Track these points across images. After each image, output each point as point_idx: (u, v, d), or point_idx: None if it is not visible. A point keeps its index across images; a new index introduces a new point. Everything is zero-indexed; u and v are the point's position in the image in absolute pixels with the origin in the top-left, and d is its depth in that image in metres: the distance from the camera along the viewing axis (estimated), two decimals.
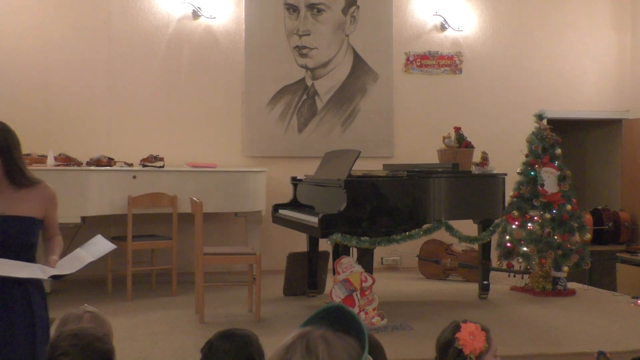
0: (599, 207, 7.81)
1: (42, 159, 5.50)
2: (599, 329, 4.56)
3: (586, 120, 8.19)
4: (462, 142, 5.70)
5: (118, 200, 5.49)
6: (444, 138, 5.75)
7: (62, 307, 5.01)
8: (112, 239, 5.78)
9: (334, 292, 4.47)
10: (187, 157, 6.57)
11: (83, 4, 6.60)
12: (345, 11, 7.17)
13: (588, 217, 7.29)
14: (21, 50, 6.45)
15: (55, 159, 5.47)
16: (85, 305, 2.56)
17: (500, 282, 6.25)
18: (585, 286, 6.21)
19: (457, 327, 2.33)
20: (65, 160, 5.58)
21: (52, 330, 2.47)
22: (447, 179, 5.10)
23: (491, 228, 5.46)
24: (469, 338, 2.28)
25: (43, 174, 5.23)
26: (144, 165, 5.91)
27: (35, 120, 6.44)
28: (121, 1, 6.67)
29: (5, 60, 6.42)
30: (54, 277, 2.53)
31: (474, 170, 5.55)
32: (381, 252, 6.78)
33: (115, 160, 5.97)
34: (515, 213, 5.84)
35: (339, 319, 1.31)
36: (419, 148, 7.09)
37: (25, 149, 6.01)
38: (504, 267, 6.06)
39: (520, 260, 5.90)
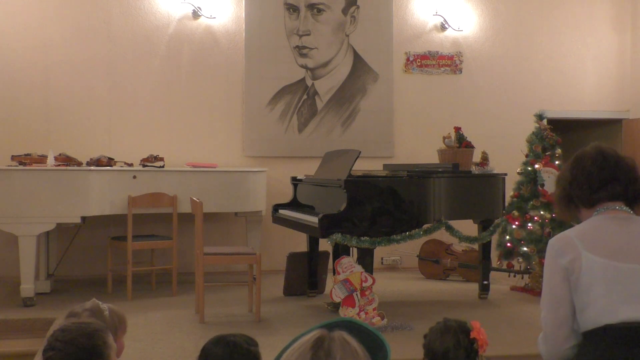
0: None
1: (42, 159, 5.49)
2: None
3: (586, 120, 8.18)
4: (462, 142, 5.70)
5: (118, 200, 5.49)
6: (444, 138, 5.75)
7: (62, 307, 5.04)
8: (112, 239, 5.80)
9: (334, 292, 4.47)
10: (187, 157, 6.58)
11: (83, 4, 6.60)
12: (345, 11, 7.16)
13: None
14: (21, 50, 6.45)
15: (55, 159, 5.46)
16: (94, 299, 2.51)
17: (500, 282, 6.25)
18: None
19: (465, 330, 2.18)
20: (65, 160, 5.57)
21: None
22: (447, 179, 5.10)
23: (491, 228, 5.46)
24: (482, 337, 2.15)
25: (43, 174, 5.28)
26: (144, 165, 5.91)
27: (35, 120, 6.45)
28: (121, 1, 6.67)
29: (5, 60, 6.43)
30: None
31: (474, 170, 5.55)
32: (381, 252, 6.78)
33: (115, 160, 5.97)
34: (515, 213, 5.84)
35: (351, 333, 1.23)
36: (419, 148, 7.09)
37: (25, 149, 6.10)
38: (504, 267, 6.06)
39: (520, 260, 5.90)
